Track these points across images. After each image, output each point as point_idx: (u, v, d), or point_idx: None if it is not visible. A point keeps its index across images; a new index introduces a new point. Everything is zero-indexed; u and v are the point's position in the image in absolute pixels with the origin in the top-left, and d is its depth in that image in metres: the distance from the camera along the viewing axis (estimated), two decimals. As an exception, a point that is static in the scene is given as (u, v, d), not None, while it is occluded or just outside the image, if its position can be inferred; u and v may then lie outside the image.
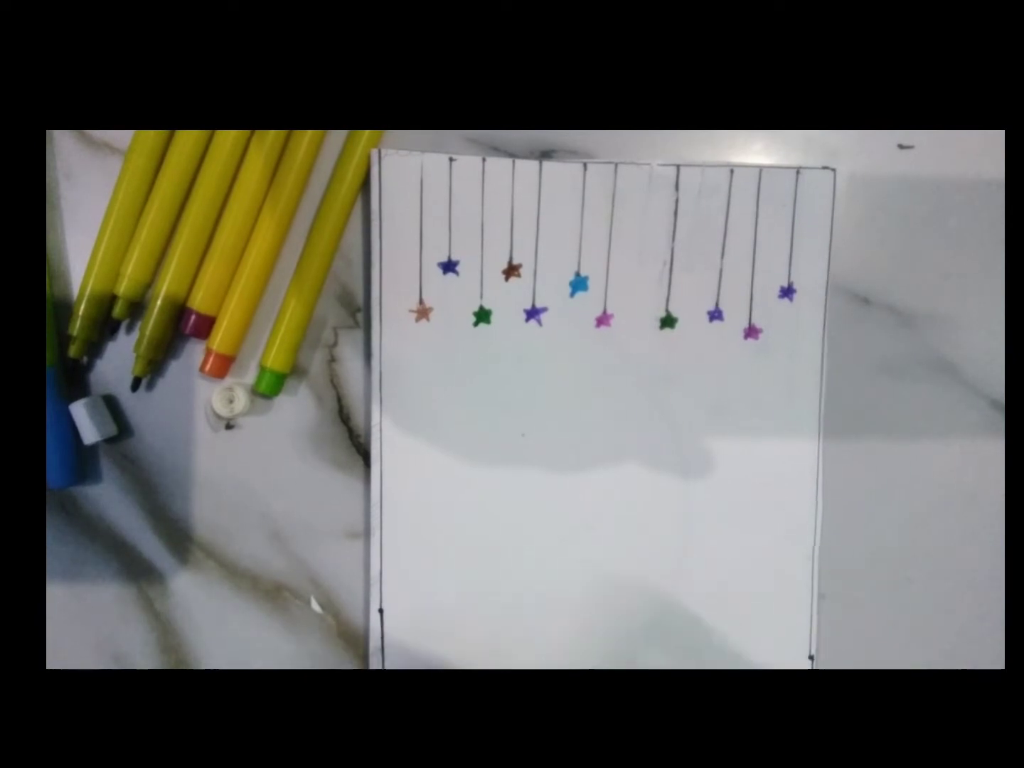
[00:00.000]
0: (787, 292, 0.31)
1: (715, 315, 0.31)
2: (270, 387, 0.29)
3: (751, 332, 0.31)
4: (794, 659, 0.32)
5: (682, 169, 0.30)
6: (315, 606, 0.30)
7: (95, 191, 0.28)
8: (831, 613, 0.32)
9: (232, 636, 0.30)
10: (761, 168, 0.31)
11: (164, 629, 0.30)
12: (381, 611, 0.30)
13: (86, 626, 0.29)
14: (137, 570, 0.30)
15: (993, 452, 0.33)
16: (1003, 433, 0.33)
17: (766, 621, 0.32)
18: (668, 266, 0.31)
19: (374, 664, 0.30)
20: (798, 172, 0.31)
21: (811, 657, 0.32)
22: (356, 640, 0.30)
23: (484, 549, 0.31)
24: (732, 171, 0.31)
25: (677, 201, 0.31)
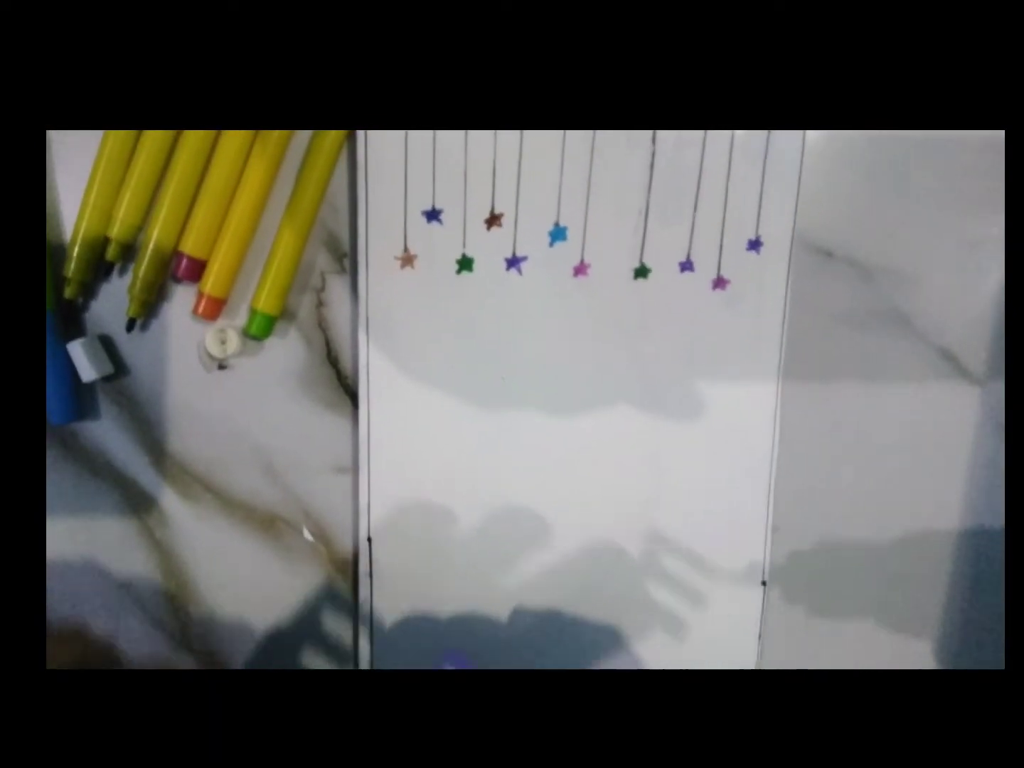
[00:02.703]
0: (754, 245, 0.33)
1: (686, 266, 0.33)
2: (261, 329, 0.30)
3: (719, 283, 0.33)
4: (748, 584, 0.35)
5: (659, 123, 0.31)
6: (307, 535, 0.32)
7: (86, 134, 0.29)
8: (784, 544, 0.35)
9: (230, 563, 0.32)
10: (734, 124, 0.32)
11: (164, 557, 0.32)
12: (369, 539, 0.32)
13: (90, 554, 0.31)
14: (137, 502, 0.31)
15: (940, 396, 0.35)
16: (951, 378, 0.35)
17: (725, 549, 0.35)
18: (643, 218, 0.32)
19: (363, 587, 0.32)
20: (769, 131, 0.32)
21: (763, 583, 0.35)
22: (346, 566, 0.33)
23: (464, 482, 0.33)
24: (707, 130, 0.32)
25: (653, 155, 0.32)
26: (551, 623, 0.34)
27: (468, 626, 0.33)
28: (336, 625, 0.33)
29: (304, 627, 0.33)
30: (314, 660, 0.33)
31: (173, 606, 0.32)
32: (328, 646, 0.33)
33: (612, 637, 0.34)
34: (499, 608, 0.33)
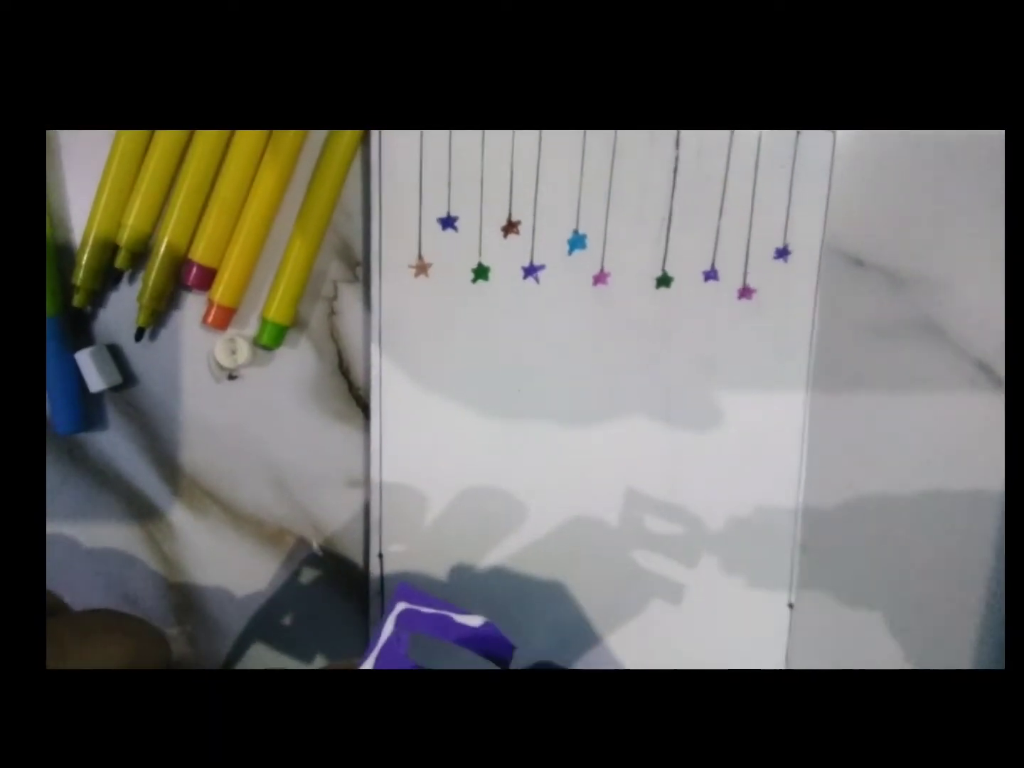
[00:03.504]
0: (782, 253, 0.32)
1: (710, 275, 0.32)
2: (271, 339, 0.30)
3: (745, 292, 0.32)
4: (774, 607, 0.34)
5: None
6: (316, 550, 0.31)
7: (96, 139, 0.28)
8: (812, 565, 0.34)
9: (237, 578, 0.31)
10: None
11: (171, 570, 0.31)
12: (380, 556, 0.31)
13: (96, 566, 0.31)
14: (144, 514, 0.31)
15: (975, 408, 0.34)
16: (987, 390, 0.34)
17: (748, 569, 0.33)
18: (666, 225, 0.31)
19: (374, 604, 0.31)
20: (798, 134, 0.31)
21: (790, 605, 0.34)
22: (356, 583, 0.32)
23: (480, 495, 0.32)
24: (732, 132, 0.31)
25: (677, 159, 0.31)
26: (570, 633, 0.33)
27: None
28: (346, 641, 0.32)
29: (313, 641, 0.32)
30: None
31: (179, 619, 0.31)
32: (338, 660, 0.32)
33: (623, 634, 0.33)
34: (515, 622, 0.32)
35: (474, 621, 0.23)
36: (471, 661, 0.23)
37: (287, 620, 0.32)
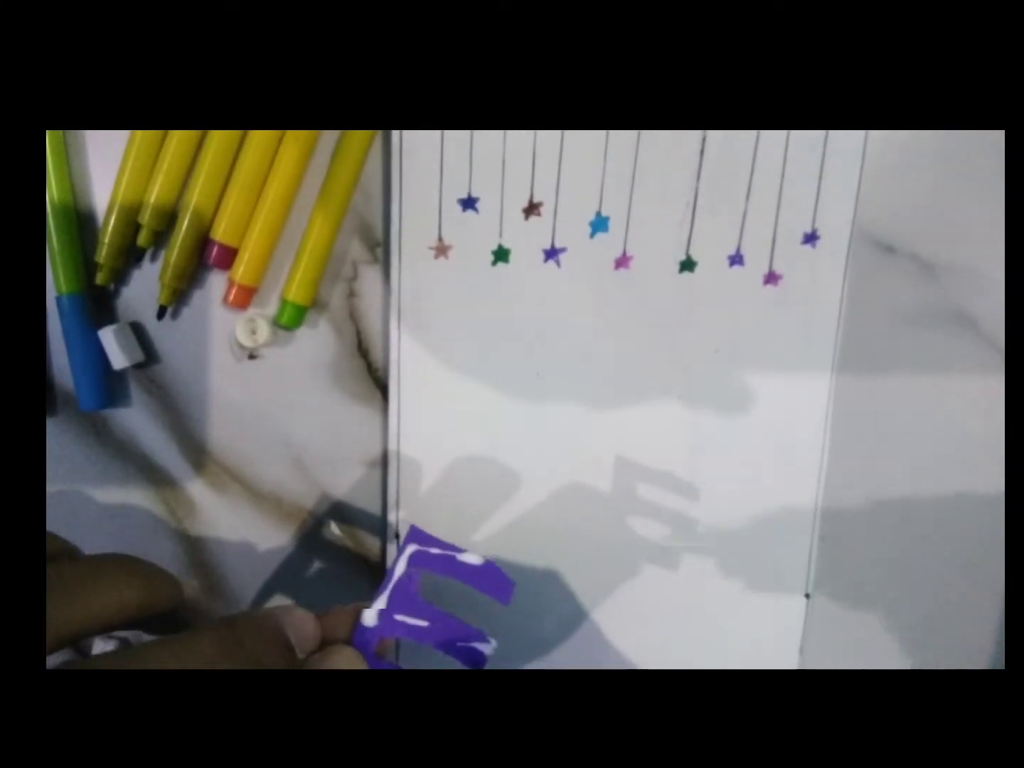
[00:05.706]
0: (810, 238, 0.31)
1: (735, 260, 0.31)
2: (291, 320, 0.30)
3: (771, 278, 0.31)
4: (791, 596, 0.33)
5: (711, 107, 0.30)
6: (335, 529, 0.32)
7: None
8: (830, 554, 0.33)
9: (256, 555, 0.32)
10: (793, 108, 0.30)
11: (192, 546, 0.32)
12: (397, 535, 0.31)
13: (117, 542, 0.31)
14: (166, 490, 0.31)
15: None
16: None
17: (766, 558, 0.33)
18: (691, 208, 0.30)
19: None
20: (831, 113, 0.30)
21: (807, 595, 0.33)
22: (373, 561, 0.32)
23: (498, 479, 0.32)
24: (762, 111, 0.30)
25: (704, 140, 0.30)
26: (580, 618, 0.33)
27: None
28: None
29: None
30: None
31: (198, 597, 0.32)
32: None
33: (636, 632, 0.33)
34: (531, 608, 0.33)
35: (476, 560, 0.24)
36: (474, 600, 0.24)
37: (303, 596, 0.32)
